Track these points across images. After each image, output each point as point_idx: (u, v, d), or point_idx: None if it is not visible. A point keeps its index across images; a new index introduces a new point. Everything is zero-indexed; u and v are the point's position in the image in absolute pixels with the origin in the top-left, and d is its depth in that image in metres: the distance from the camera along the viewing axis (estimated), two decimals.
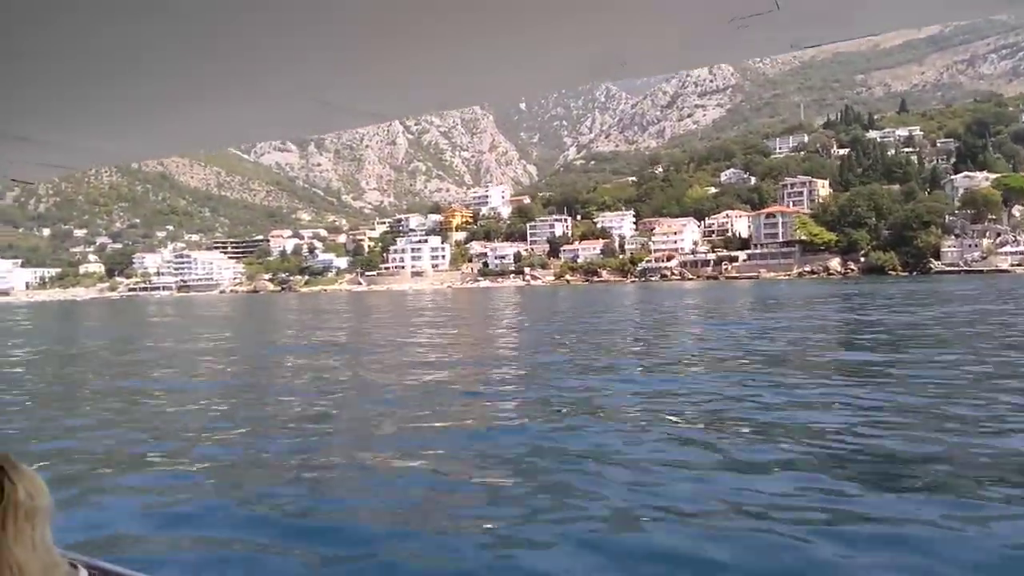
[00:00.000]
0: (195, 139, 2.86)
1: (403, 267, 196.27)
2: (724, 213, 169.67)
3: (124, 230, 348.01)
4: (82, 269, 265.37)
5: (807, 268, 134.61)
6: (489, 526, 8.10)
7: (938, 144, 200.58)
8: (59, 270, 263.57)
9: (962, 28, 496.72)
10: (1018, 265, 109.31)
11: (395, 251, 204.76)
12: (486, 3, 1.55)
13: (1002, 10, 1.53)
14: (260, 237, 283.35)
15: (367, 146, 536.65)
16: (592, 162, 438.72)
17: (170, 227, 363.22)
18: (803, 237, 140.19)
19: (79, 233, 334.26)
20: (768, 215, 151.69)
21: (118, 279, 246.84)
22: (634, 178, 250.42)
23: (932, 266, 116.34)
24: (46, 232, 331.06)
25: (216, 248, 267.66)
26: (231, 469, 10.96)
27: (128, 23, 1.66)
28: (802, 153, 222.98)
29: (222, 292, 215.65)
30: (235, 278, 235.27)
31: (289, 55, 1.87)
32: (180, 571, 6.97)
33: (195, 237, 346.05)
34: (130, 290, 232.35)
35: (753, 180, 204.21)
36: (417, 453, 11.42)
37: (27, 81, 2.03)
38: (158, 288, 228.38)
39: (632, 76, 1.98)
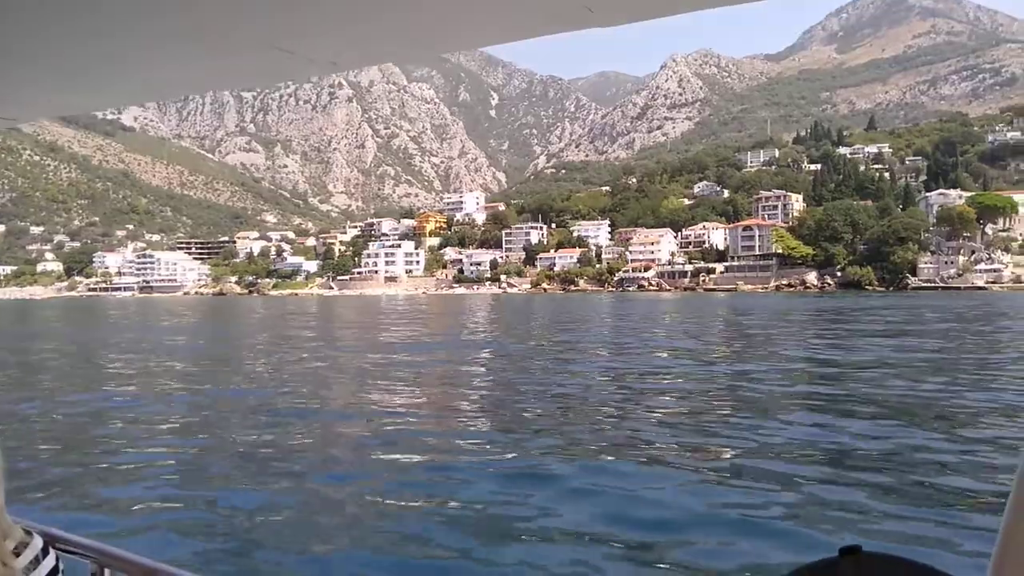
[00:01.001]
0: (147, 89, 2.81)
1: (376, 272, 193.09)
2: (701, 225, 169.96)
3: (83, 228, 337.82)
4: (39, 267, 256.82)
5: (784, 281, 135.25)
6: None
7: (907, 162, 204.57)
8: (15, 268, 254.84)
9: (924, 50, 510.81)
10: (993, 283, 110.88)
11: (368, 255, 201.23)
12: None
13: None
14: (225, 238, 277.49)
15: (335, 149, 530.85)
16: (563, 171, 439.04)
17: (130, 226, 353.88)
18: (780, 250, 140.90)
19: (36, 230, 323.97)
20: (745, 228, 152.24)
21: (77, 278, 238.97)
22: (608, 188, 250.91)
23: (909, 282, 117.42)
24: (1, 228, 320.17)
25: (180, 248, 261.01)
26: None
27: None
28: (773, 167, 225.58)
29: (186, 294, 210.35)
30: (200, 280, 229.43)
31: (245, 3, 1.84)
32: (140, 539, 7.07)
33: (156, 237, 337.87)
34: (90, 290, 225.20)
35: (726, 193, 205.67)
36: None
37: None
38: (119, 288, 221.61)
39: (599, 25, 1.89)
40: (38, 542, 1.50)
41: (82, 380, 20.80)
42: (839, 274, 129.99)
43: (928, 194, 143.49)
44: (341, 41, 2.20)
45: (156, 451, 11.93)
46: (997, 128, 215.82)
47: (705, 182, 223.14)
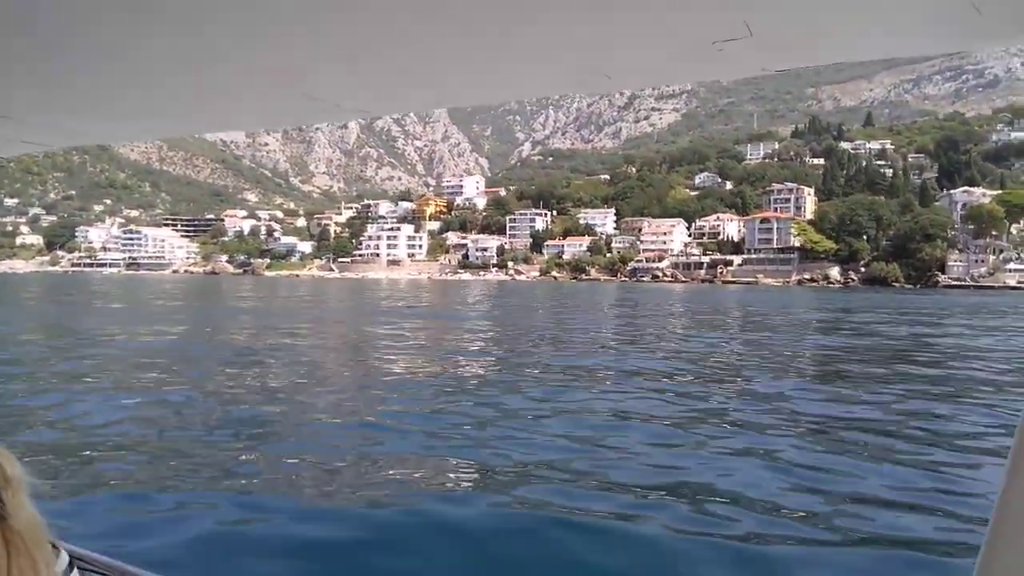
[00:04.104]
0: (174, 125, 2.88)
1: (378, 255, 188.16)
2: (715, 216, 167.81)
3: (59, 202, 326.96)
4: (18, 240, 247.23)
5: (806, 276, 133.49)
6: None
7: (909, 159, 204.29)
8: None
9: None
10: None
11: (368, 238, 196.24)
12: (471, 5, 1.59)
13: (971, 47, 1.64)
14: (212, 216, 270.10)
15: (317, 129, 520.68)
16: (550, 158, 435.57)
17: (108, 201, 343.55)
18: (800, 244, 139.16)
19: (10, 202, 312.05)
20: (763, 220, 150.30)
21: (60, 253, 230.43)
22: (607, 176, 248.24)
23: (939, 280, 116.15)
24: None
25: (166, 225, 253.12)
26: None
27: (113, 6, 1.69)
28: (776, 160, 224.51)
29: (175, 272, 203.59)
30: (189, 258, 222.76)
31: (276, 47, 1.90)
32: (160, 562, 6.40)
33: (134, 212, 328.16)
34: (73, 265, 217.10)
35: (728, 185, 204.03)
36: None
37: (11, 61, 2.06)
38: (104, 264, 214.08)
39: (615, 89, 2.05)
40: (64, 559, 1.47)
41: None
42: (863, 270, 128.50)
43: (953, 191, 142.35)
44: (372, 92, 2.30)
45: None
46: (998, 128, 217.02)
47: (706, 173, 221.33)
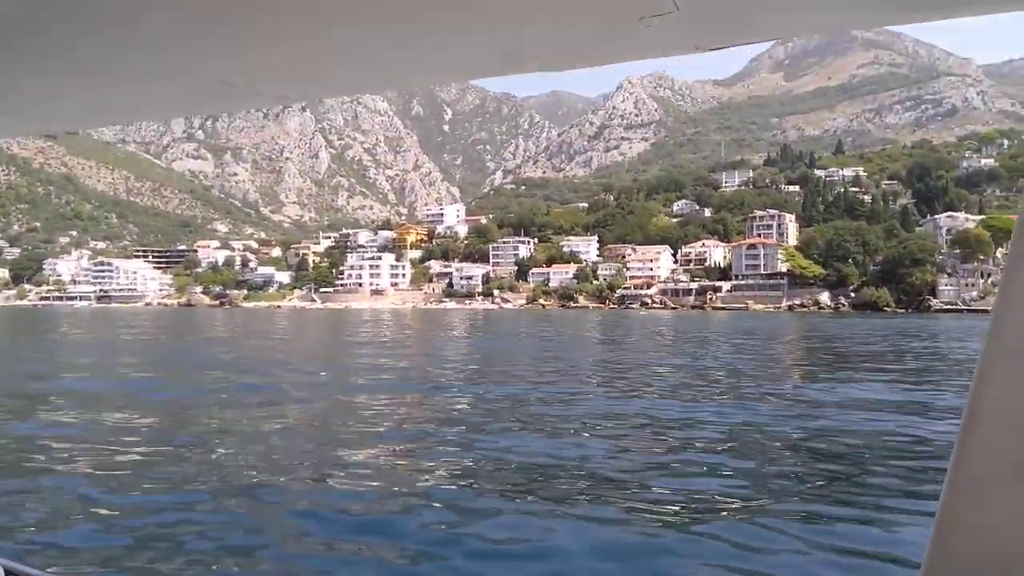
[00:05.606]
0: (84, 116, 2.72)
1: (360, 284, 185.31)
2: (701, 243, 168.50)
3: (23, 234, 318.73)
4: None
5: (797, 301, 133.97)
6: None
7: (882, 185, 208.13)
8: None
9: (868, 79, 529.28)
10: None
11: (350, 267, 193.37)
12: None
13: (901, 21, 1.61)
14: (183, 247, 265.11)
15: (287, 158, 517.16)
16: (523, 187, 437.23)
17: (74, 232, 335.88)
18: (788, 269, 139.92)
19: None
20: (750, 246, 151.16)
21: (27, 286, 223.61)
22: (584, 204, 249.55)
23: (931, 304, 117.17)
24: None
25: (137, 256, 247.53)
26: None
27: None
28: (752, 187, 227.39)
29: (148, 304, 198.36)
30: (162, 290, 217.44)
31: (186, 33, 1.82)
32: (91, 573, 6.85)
33: (101, 244, 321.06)
34: (42, 299, 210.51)
35: (707, 211, 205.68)
36: None
37: None
38: (75, 298, 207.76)
39: (542, 70, 2.01)
40: None
41: None
42: (853, 295, 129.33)
43: (937, 216, 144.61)
44: (291, 77, 2.22)
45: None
46: (967, 155, 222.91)
47: (684, 200, 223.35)
